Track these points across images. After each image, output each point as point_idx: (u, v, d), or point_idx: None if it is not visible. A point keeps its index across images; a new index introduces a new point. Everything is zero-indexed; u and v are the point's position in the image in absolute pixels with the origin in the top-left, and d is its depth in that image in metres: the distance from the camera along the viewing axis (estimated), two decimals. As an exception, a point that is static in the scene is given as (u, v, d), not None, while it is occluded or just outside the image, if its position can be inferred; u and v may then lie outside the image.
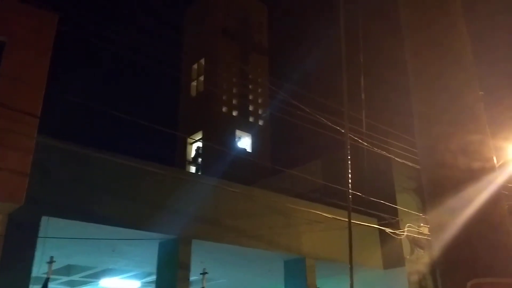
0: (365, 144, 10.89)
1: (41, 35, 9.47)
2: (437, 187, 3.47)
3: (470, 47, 3.79)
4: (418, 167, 3.89)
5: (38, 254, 9.26)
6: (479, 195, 3.27)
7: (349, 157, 4.72)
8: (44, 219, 9.31)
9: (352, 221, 5.40)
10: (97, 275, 16.44)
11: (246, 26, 36.07)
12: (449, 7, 3.85)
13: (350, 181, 4.73)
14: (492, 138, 3.59)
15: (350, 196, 4.67)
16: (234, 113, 33.27)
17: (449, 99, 3.55)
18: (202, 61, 35.05)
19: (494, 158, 3.50)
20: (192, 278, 11.69)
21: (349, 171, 4.76)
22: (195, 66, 35.53)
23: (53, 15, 9.71)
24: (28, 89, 8.86)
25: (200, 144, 32.22)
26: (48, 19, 9.62)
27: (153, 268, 12.39)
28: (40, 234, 9.29)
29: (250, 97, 34.61)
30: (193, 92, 35.02)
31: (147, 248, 11.93)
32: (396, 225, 14.80)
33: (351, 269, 5.33)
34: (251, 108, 34.33)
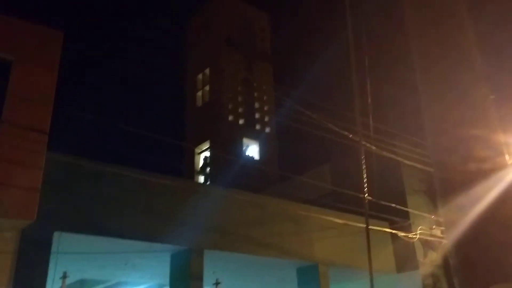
0: (374, 148, 10.85)
1: (48, 52, 9.57)
2: (449, 185, 3.47)
3: (476, 46, 3.78)
4: (428, 169, 3.89)
5: (51, 270, 9.28)
6: (490, 192, 3.26)
7: (363, 165, 4.71)
8: (56, 234, 9.34)
9: (364, 225, 5.38)
10: (110, 289, 16.44)
11: (249, 35, 36.19)
12: (453, 7, 3.86)
13: (365, 188, 4.72)
14: (503, 135, 3.57)
15: (366, 202, 4.65)
16: (241, 122, 33.29)
17: (457, 97, 3.56)
18: (207, 71, 35.16)
19: (506, 156, 3.48)
20: (205, 288, 11.66)
21: (365, 177, 4.75)
22: (200, 76, 35.64)
23: (59, 32, 9.81)
24: (36, 106, 8.94)
25: (207, 153, 32.24)
26: (54, 36, 9.72)
27: (166, 280, 12.37)
28: (53, 249, 9.32)
29: (256, 105, 34.62)
30: (199, 102, 35.10)
31: (160, 260, 11.93)
32: (408, 228, 14.70)
33: (371, 274, 5.30)
34: (257, 115, 34.32)
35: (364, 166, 4.78)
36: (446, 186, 3.50)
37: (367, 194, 4.73)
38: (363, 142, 10.01)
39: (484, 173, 3.33)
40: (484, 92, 3.61)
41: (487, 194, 3.26)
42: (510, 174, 3.41)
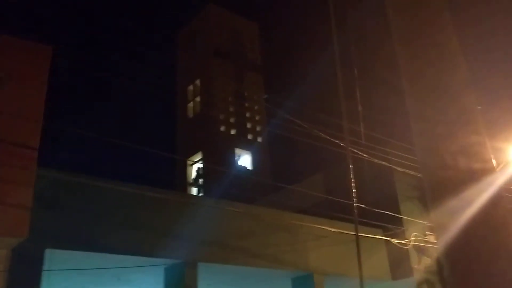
0: (365, 156, 10.89)
1: (36, 68, 9.52)
2: (438, 189, 3.50)
3: (461, 52, 3.84)
4: (420, 175, 3.92)
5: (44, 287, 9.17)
6: (480, 196, 3.29)
7: (351, 171, 4.72)
8: (48, 251, 9.24)
9: (358, 234, 5.38)
10: (104, 305, 16.25)
11: (238, 45, 36.32)
12: (437, 16, 3.91)
13: (354, 194, 4.73)
14: (492, 139, 3.61)
15: (356, 210, 4.66)
16: (233, 132, 33.27)
17: (446, 101, 3.60)
18: (198, 82, 35.19)
19: (493, 160, 3.52)
20: (200, 301, 11.55)
21: (353, 185, 4.76)
22: (191, 87, 35.64)
23: (47, 48, 9.77)
24: (25, 123, 8.87)
25: (200, 164, 32.16)
26: (42, 51, 9.68)
27: (160, 294, 12.26)
28: (45, 267, 9.21)
29: (247, 114, 34.67)
30: (190, 113, 35.08)
31: (153, 274, 11.82)
32: (401, 235, 14.72)
33: (361, 280, 5.29)
34: (249, 125, 34.34)
35: (352, 173, 4.80)
36: (436, 190, 3.53)
37: (355, 201, 4.74)
38: (353, 150, 10.05)
39: (473, 177, 3.36)
40: (472, 98, 3.66)
41: (478, 198, 3.29)
42: (500, 178, 3.44)
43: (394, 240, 14.18)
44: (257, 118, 34.83)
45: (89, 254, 9.98)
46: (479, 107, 3.66)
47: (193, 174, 32.56)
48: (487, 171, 3.41)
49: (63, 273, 10.12)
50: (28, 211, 8.43)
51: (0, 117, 8.69)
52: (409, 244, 14.36)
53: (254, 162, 33.02)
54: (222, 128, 32.86)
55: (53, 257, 9.34)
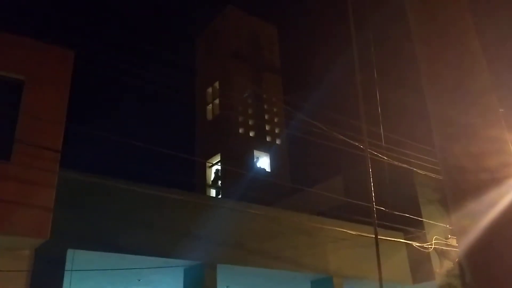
0: (385, 158, 10.79)
1: (59, 72, 9.69)
2: (459, 191, 3.46)
3: (483, 53, 3.79)
4: (441, 177, 3.89)
5: (65, 287, 9.31)
6: (502, 199, 3.24)
7: (370, 173, 4.69)
8: (70, 252, 9.38)
9: (378, 236, 5.35)
10: (124, 305, 16.40)
11: (257, 48, 36.35)
12: (458, 18, 3.87)
13: (374, 197, 4.70)
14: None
15: (375, 213, 4.62)
16: (251, 134, 33.27)
17: (468, 103, 3.56)
18: (216, 84, 35.33)
19: None
20: (219, 303, 11.58)
21: (372, 188, 4.73)
22: (210, 90, 35.78)
23: (70, 52, 9.94)
24: (48, 125, 9.03)
25: (219, 166, 32.24)
26: (64, 55, 9.85)
27: (180, 295, 12.33)
28: (67, 267, 9.36)
29: (266, 117, 34.64)
30: (209, 116, 35.22)
31: (173, 275, 11.91)
32: (423, 238, 14.54)
33: (380, 283, 5.26)
34: (267, 127, 34.31)
35: (371, 176, 4.77)
36: (457, 193, 3.49)
37: (375, 204, 4.71)
38: (373, 152, 9.98)
39: (495, 180, 3.32)
40: (493, 101, 3.61)
41: (499, 200, 3.25)
42: None
43: (415, 243, 14.02)
44: (275, 120, 34.78)
45: (110, 255, 10.10)
46: (501, 109, 3.62)
47: (212, 175, 32.67)
48: (509, 173, 3.37)
49: (84, 273, 10.26)
50: (50, 212, 8.58)
51: (24, 120, 8.87)
52: (430, 247, 14.18)
53: (273, 164, 32.96)
54: (241, 130, 32.89)
55: (75, 258, 9.49)
